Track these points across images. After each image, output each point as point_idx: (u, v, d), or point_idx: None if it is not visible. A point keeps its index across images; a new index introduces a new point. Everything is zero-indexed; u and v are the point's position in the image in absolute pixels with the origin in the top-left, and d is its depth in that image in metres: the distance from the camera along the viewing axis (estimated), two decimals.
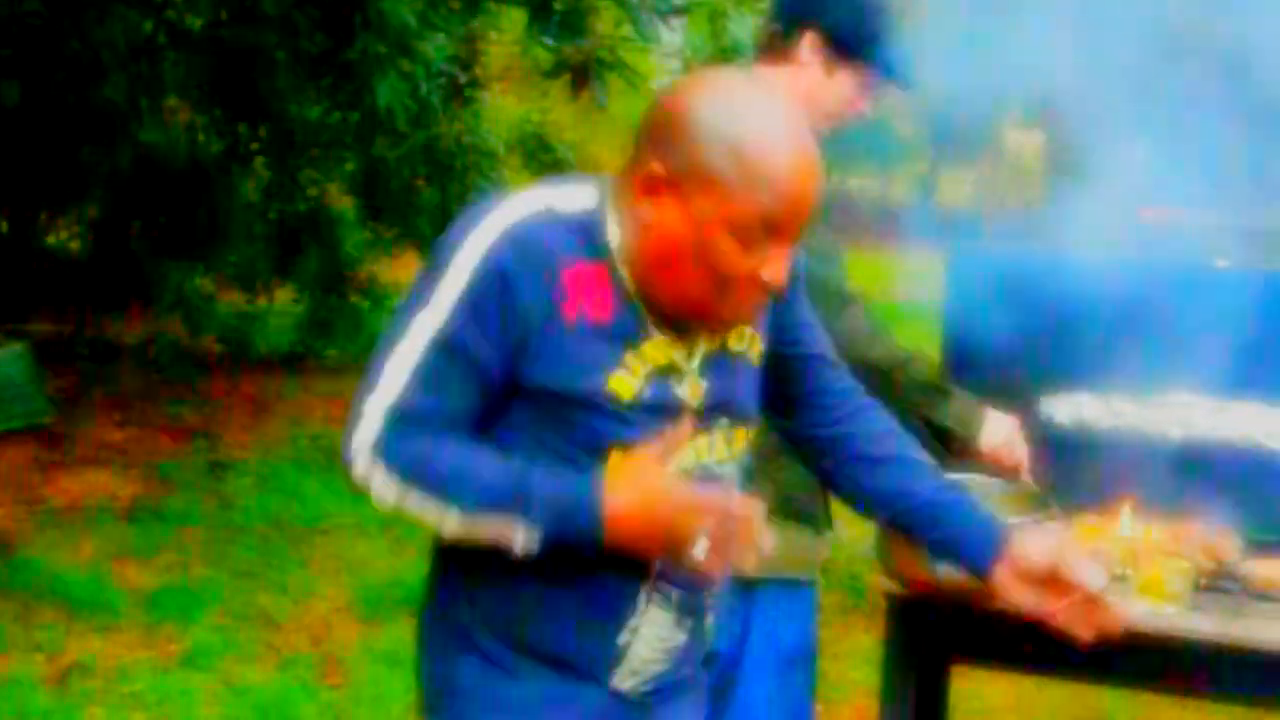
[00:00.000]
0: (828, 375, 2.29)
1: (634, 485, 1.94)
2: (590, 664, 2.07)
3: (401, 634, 5.41)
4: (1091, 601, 2.18)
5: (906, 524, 2.29)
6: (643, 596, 2.06)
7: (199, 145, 9.35)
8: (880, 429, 2.30)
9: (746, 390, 2.15)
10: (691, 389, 2.05)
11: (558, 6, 5.68)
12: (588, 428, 1.98)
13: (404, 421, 1.94)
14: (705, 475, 2.05)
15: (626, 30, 5.85)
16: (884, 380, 2.85)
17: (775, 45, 3.07)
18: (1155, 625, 2.88)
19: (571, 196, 2.04)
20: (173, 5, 8.28)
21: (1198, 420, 3.35)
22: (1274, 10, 3.57)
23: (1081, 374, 3.41)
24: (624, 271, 2.01)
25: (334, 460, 2.05)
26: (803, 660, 3.13)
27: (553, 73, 6.24)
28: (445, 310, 1.95)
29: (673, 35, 6.15)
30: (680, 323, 2.03)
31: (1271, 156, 3.80)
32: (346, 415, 1.98)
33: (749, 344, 2.15)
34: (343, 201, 10.13)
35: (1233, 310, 3.18)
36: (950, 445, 3.02)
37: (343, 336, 10.08)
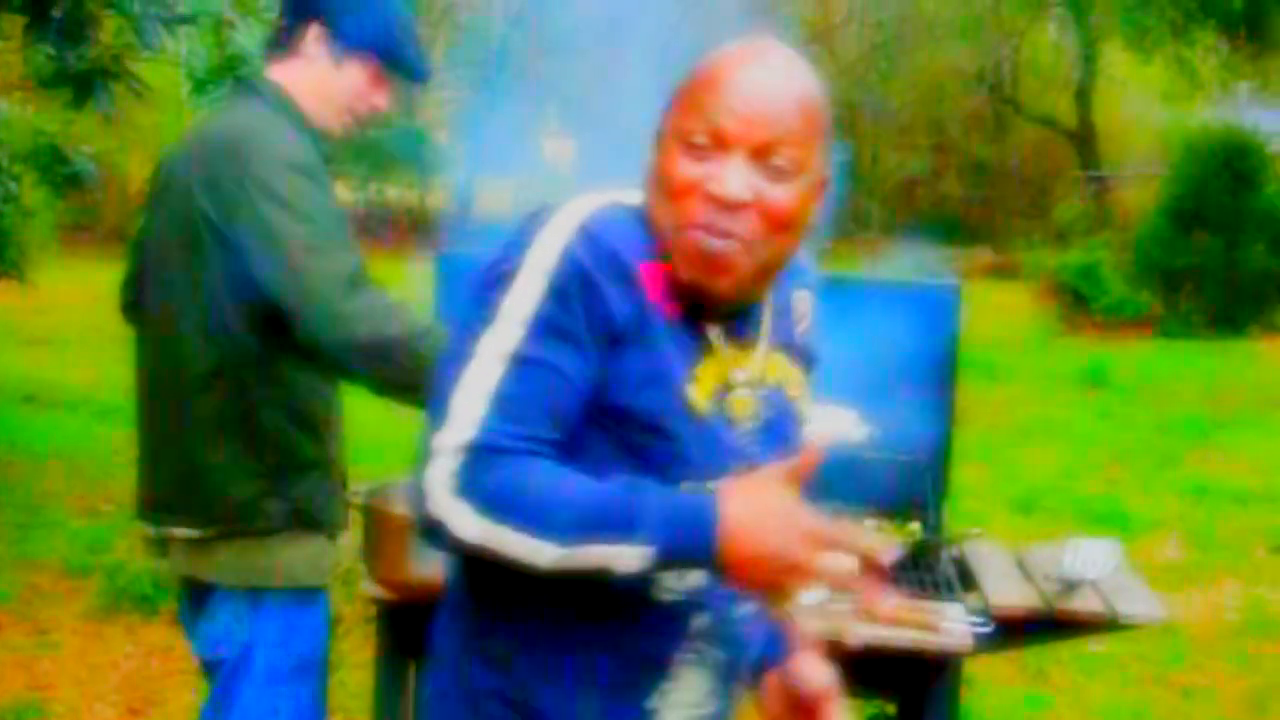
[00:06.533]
0: None
1: (756, 500, 1.69)
2: None
3: None
4: None
5: None
6: (678, 657, 1.88)
7: None
8: None
9: (793, 427, 2.00)
10: (744, 408, 1.92)
11: (55, 13, 5.46)
12: (667, 452, 1.80)
13: (484, 454, 1.70)
14: None
15: (131, 39, 5.69)
16: (404, 353, 2.76)
17: (283, 40, 3.09)
18: None
19: (635, 192, 1.90)
20: None
21: None
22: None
23: None
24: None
25: None
26: (312, 669, 3.07)
27: (53, 82, 5.99)
28: (517, 324, 1.74)
29: (182, 45, 6.01)
30: (696, 300, 1.86)
31: None
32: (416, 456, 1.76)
33: (792, 381, 2.02)
34: None
35: None
36: None
37: None
